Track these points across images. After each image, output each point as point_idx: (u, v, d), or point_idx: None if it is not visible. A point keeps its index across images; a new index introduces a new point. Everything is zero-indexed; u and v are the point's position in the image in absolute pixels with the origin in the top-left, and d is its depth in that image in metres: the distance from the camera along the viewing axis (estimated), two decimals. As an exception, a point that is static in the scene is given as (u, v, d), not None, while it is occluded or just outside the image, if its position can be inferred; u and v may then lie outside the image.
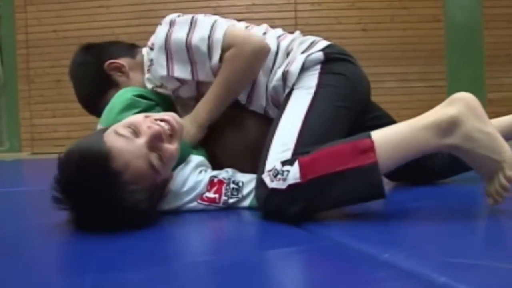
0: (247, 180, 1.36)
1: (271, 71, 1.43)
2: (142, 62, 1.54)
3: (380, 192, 1.09)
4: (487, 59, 4.96)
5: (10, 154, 4.76)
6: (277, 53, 1.44)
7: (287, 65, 1.39)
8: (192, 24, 1.42)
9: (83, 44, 1.64)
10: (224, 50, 1.38)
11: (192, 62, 1.41)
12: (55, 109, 4.83)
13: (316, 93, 1.30)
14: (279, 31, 1.54)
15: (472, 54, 4.97)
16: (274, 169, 1.15)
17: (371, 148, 1.07)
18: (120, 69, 1.56)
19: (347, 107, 1.32)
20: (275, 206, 1.14)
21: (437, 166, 1.61)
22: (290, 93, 1.34)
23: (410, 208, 1.31)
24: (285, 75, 1.37)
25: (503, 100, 4.96)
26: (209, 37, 1.38)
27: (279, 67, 1.42)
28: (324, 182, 1.09)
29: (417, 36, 4.88)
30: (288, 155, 1.17)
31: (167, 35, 1.41)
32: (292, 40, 1.47)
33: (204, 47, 1.38)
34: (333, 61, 1.35)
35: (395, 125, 1.16)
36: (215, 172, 1.38)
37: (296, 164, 1.12)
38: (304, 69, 1.35)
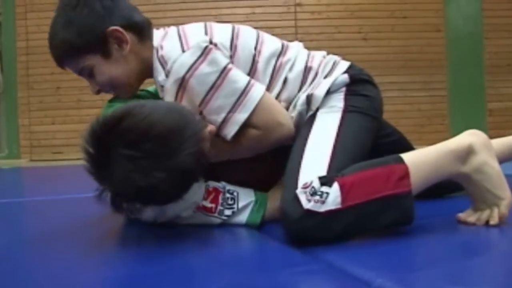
0: (242, 192, 1.34)
1: (294, 96, 1.37)
2: (148, 48, 1.33)
3: (411, 218, 1.12)
4: (488, 69, 4.96)
5: (9, 160, 4.75)
6: (304, 80, 1.38)
7: (312, 88, 1.34)
8: (224, 73, 1.25)
9: None
10: (246, 125, 1.27)
11: (205, 98, 1.26)
12: (54, 116, 4.82)
13: (344, 114, 1.29)
14: (305, 51, 1.44)
15: (473, 64, 4.97)
16: (311, 186, 1.09)
17: (406, 175, 1.11)
18: (121, 43, 1.30)
19: (373, 127, 1.34)
20: (308, 229, 1.08)
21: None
22: (314, 114, 1.31)
23: (411, 227, 1.28)
24: (309, 99, 1.33)
25: (503, 110, 4.95)
26: (237, 100, 1.25)
27: (303, 92, 1.36)
28: (361, 209, 1.08)
29: (418, 46, 4.88)
30: (323, 171, 1.15)
31: (190, 68, 1.23)
32: (319, 65, 1.40)
33: (226, 109, 1.25)
34: (357, 83, 1.35)
35: (422, 149, 1.20)
36: (207, 182, 1.35)
37: (335, 186, 1.08)
38: (329, 92, 1.33)
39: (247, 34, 1.38)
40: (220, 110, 1.25)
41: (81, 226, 1.45)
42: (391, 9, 4.89)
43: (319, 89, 1.31)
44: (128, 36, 1.30)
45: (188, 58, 1.23)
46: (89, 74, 1.34)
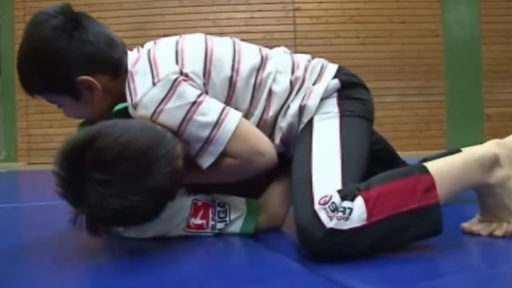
0: (233, 203, 1.31)
1: (282, 106, 1.31)
2: (120, 81, 1.25)
3: (439, 230, 1.06)
4: (485, 74, 4.98)
5: (6, 164, 4.74)
6: (291, 89, 1.32)
7: (303, 99, 1.28)
8: (194, 106, 1.19)
9: (73, 15, 1.24)
10: (222, 154, 1.21)
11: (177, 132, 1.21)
12: (52, 119, 4.81)
13: (341, 119, 1.25)
14: (287, 58, 1.38)
15: (470, 69, 4.99)
16: (331, 202, 1.03)
17: (433, 186, 1.06)
18: (92, 89, 1.24)
19: (369, 129, 1.31)
20: (332, 248, 1.02)
21: None
22: (310, 122, 1.26)
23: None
24: (302, 110, 1.28)
25: (500, 115, 4.96)
26: (210, 133, 1.20)
27: (292, 101, 1.31)
28: (388, 223, 1.03)
29: (416, 51, 4.89)
30: (337, 182, 1.10)
31: (159, 104, 1.18)
32: (305, 71, 1.34)
33: (200, 141, 1.20)
34: (348, 87, 1.31)
35: (447, 158, 1.16)
36: (196, 195, 1.31)
37: (359, 201, 1.03)
38: (321, 98, 1.28)
39: (222, 54, 1.30)
40: (195, 142, 1.20)
41: (69, 233, 1.41)
42: (390, 14, 4.90)
43: (311, 99, 1.27)
44: (100, 79, 1.23)
45: (157, 93, 1.18)
46: (59, 106, 1.33)
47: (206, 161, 1.21)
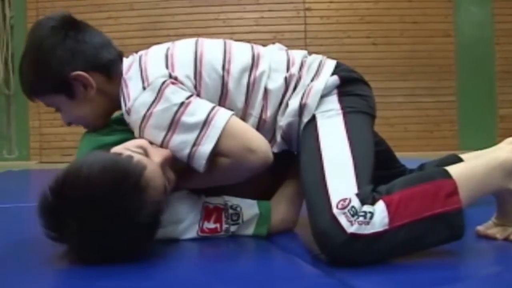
0: (245, 205, 1.31)
1: (280, 104, 1.30)
2: (116, 85, 1.27)
3: (461, 235, 1.06)
4: (498, 74, 4.93)
5: (19, 162, 4.79)
6: (287, 86, 1.30)
7: (302, 97, 1.27)
8: (181, 108, 1.19)
9: (69, 18, 1.29)
10: (215, 154, 1.20)
11: (167, 135, 1.21)
12: (64, 118, 4.85)
13: (345, 116, 1.23)
14: (282, 55, 1.37)
15: (482, 69, 4.94)
16: (350, 206, 1.03)
17: (455, 191, 1.05)
18: (86, 86, 1.27)
19: (372, 125, 1.30)
20: (353, 253, 1.02)
21: None
22: (313, 121, 1.24)
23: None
24: (302, 109, 1.26)
25: (515, 116, 4.91)
26: (199, 133, 1.18)
27: (289, 98, 1.30)
28: (410, 228, 1.02)
29: (427, 51, 4.85)
30: (352, 184, 1.09)
31: (149, 108, 1.19)
32: (300, 67, 1.33)
33: (189, 144, 1.19)
34: (348, 83, 1.29)
35: (469, 162, 1.17)
36: (206, 197, 1.32)
37: (381, 205, 1.02)
38: (321, 96, 1.27)
39: (211, 55, 1.30)
40: (183, 146, 1.19)
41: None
42: (401, 14, 4.87)
43: (311, 97, 1.25)
44: (94, 78, 1.26)
45: (147, 97, 1.19)
46: (56, 109, 1.34)
47: (199, 164, 1.19)
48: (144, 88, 1.20)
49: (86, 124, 1.36)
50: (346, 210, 1.02)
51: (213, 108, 1.21)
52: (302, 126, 1.26)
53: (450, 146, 4.61)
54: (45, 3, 4.94)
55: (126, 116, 1.25)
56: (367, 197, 1.04)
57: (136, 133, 1.24)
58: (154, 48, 1.33)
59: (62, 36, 1.24)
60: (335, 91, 1.28)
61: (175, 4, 4.88)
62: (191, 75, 1.25)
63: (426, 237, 1.04)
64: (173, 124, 1.19)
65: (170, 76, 1.21)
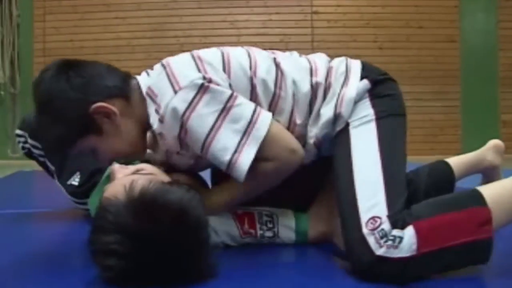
0: (279, 213, 1.32)
1: (309, 112, 1.28)
2: (138, 106, 1.23)
3: (486, 261, 1.04)
4: (502, 80, 4.97)
5: (23, 161, 4.77)
6: (314, 94, 1.28)
7: (336, 106, 1.24)
8: (224, 111, 1.15)
9: (63, 62, 1.23)
10: (256, 160, 1.16)
11: (210, 134, 1.16)
12: (69, 118, 4.85)
13: (378, 122, 1.22)
14: (304, 61, 1.34)
15: (486, 75, 4.97)
16: (380, 228, 1.03)
17: (489, 221, 1.03)
18: (109, 115, 1.20)
19: (404, 124, 1.29)
20: (380, 274, 1.02)
21: None
22: (345, 128, 1.23)
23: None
24: (336, 118, 1.24)
25: (517, 122, 4.94)
26: (241, 138, 1.15)
27: (320, 107, 1.28)
28: (438, 255, 1.02)
29: (433, 56, 4.89)
30: (382, 201, 1.08)
31: (186, 110, 1.14)
32: (327, 74, 1.30)
33: (231, 150, 1.15)
34: (378, 84, 1.27)
35: (502, 182, 1.13)
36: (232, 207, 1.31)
37: (410, 231, 1.02)
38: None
39: (238, 57, 1.26)
40: (224, 152, 1.14)
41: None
42: (407, 19, 4.90)
43: (345, 107, 1.23)
44: (113, 105, 1.19)
45: (182, 99, 1.14)
46: (93, 152, 1.26)
47: (241, 173, 1.15)
48: (175, 92, 1.15)
49: (126, 154, 1.28)
50: (375, 232, 1.03)
51: (255, 109, 1.18)
52: (334, 133, 1.26)
53: (454, 151, 4.62)
54: (52, 2, 4.95)
55: (158, 127, 1.19)
56: (397, 221, 1.04)
57: (173, 143, 1.20)
58: (175, 57, 1.26)
59: (65, 79, 1.17)
60: (367, 94, 1.26)
61: (182, 5, 4.89)
62: (224, 77, 1.21)
63: (452, 263, 1.04)
64: (214, 130, 1.14)
65: (204, 78, 1.16)
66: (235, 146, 1.14)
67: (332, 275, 1.12)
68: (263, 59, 1.29)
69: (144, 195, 1.01)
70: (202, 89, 1.15)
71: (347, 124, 1.23)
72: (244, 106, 1.18)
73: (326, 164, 1.33)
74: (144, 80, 1.25)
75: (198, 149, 1.17)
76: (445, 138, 4.90)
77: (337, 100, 1.25)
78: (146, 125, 1.24)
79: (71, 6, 4.93)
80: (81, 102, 1.17)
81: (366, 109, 1.24)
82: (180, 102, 1.14)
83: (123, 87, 1.22)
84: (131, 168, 1.25)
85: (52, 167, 1.77)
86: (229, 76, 1.21)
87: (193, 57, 1.22)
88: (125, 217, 0.98)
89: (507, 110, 4.96)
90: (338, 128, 1.24)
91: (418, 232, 1.02)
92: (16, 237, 1.53)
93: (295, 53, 1.38)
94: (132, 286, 0.96)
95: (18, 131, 1.80)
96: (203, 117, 1.14)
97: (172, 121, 1.16)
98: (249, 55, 1.28)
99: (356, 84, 1.26)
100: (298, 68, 1.30)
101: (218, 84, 1.17)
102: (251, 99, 1.23)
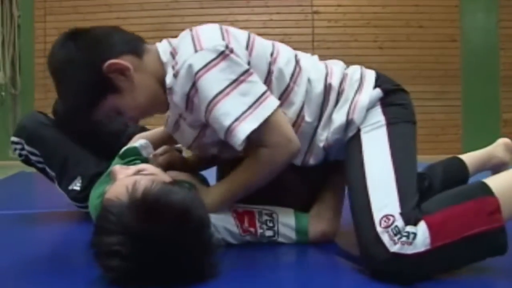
0: (280, 212, 1.32)
1: (320, 114, 1.31)
2: (153, 65, 1.25)
3: (504, 251, 1.05)
4: (503, 79, 4.96)
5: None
6: (326, 96, 1.31)
7: (348, 113, 1.28)
8: (237, 81, 1.17)
9: (70, 31, 1.24)
10: (253, 140, 1.18)
11: (218, 96, 1.18)
12: (70, 118, 4.85)
13: (389, 127, 1.24)
14: (321, 64, 1.37)
15: (487, 74, 4.97)
16: (394, 225, 1.04)
17: (497, 210, 1.04)
18: (123, 72, 1.21)
19: (415, 132, 1.31)
20: (395, 271, 1.03)
21: None
22: (357, 133, 1.26)
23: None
24: (348, 124, 1.28)
25: (518, 121, 4.94)
26: (247, 109, 1.16)
27: (332, 112, 1.31)
28: (452, 248, 1.03)
29: (433, 56, 4.88)
30: (394, 199, 1.09)
31: (202, 68, 1.15)
32: (342, 80, 1.33)
33: (232, 116, 1.16)
34: (390, 93, 1.31)
35: (507, 173, 1.14)
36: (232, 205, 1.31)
37: (423, 226, 1.03)
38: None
39: (262, 43, 1.31)
40: (226, 117, 1.15)
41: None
42: (407, 18, 4.90)
43: (357, 113, 1.26)
44: (125, 60, 1.21)
45: (201, 58, 1.15)
46: (118, 114, 1.28)
47: (238, 138, 1.15)
48: (196, 51, 1.16)
49: (148, 109, 1.30)
50: (389, 229, 1.04)
51: (266, 90, 1.20)
52: (346, 139, 1.28)
53: (454, 150, 4.62)
54: (53, 2, 4.96)
55: (171, 81, 1.20)
56: (410, 217, 1.05)
57: (180, 98, 1.20)
58: (203, 25, 1.28)
59: (73, 45, 1.19)
60: (378, 102, 1.29)
61: (184, 6, 4.90)
62: (245, 53, 1.22)
63: (468, 255, 1.05)
64: (223, 94, 1.15)
65: (227, 47, 1.17)
66: (238, 114, 1.15)
67: (334, 275, 1.12)
68: (286, 52, 1.33)
69: (147, 196, 1.00)
70: (222, 55, 1.16)
71: (359, 130, 1.26)
72: (256, 85, 1.20)
73: (327, 166, 1.34)
74: (164, 45, 1.27)
75: (203, 111, 1.18)
76: (446, 137, 4.90)
77: (349, 107, 1.29)
78: (162, 84, 1.25)
79: (72, 6, 4.94)
80: (93, 64, 1.19)
81: (378, 116, 1.27)
82: (197, 60, 1.15)
83: (133, 44, 1.24)
84: (132, 168, 1.25)
85: (52, 173, 1.76)
86: (250, 55, 1.23)
87: (221, 28, 1.25)
88: (128, 218, 0.98)
89: (508, 109, 4.96)
90: (350, 134, 1.27)
91: (430, 226, 1.03)
92: (17, 238, 1.54)
93: (315, 56, 1.42)
94: (134, 286, 0.96)
95: (14, 138, 1.77)
96: (215, 80, 1.15)
97: (185, 77, 1.17)
98: (273, 45, 1.33)
99: (370, 92, 1.29)
100: (316, 69, 1.34)
101: (238, 56, 1.19)
102: (264, 83, 1.24)
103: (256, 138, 1.18)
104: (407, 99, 1.34)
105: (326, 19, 4.90)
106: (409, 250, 1.02)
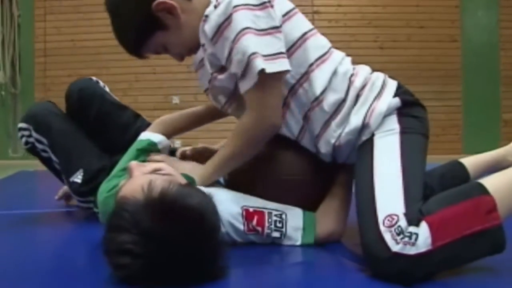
0: (290, 212, 1.32)
1: (337, 109, 1.33)
2: (202, 6, 1.33)
3: (502, 249, 1.06)
4: (503, 79, 4.97)
5: (24, 161, 4.78)
6: (347, 92, 1.33)
7: (365, 116, 1.30)
8: (268, 33, 1.24)
9: None
10: (247, 98, 1.26)
11: (247, 29, 1.24)
12: (70, 118, 4.85)
13: (402, 135, 1.26)
14: (348, 64, 1.39)
15: (488, 74, 4.98)
16: (397, 225, 1.05)
17: (494, 208, 1.05)
18: (170, 10, 1.31)
19: (426, 146, 1.32)
20: (397, 271, 1.04)
21: None
22: (370, 138, 1.28)
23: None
24: (363, 128, 1.30)
25: (518, 121, 4.94)
26: (268, 55, 1.23)
27: (349, 113, 1.33)
28: (452, 247, 1.04)
29: (434, 56, 4.89)
30: (400, 201, 1.11)
31: (241, 4, 1.23)
32: (364, 83, 1.35)
33: (251, 49, 1.22)
34: (407, 105, 1.33)
35: (503, 173, 1.14)
36: (245, 202, 1.32)
37: (424, 226, 1.04)
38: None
39: (303, 19, 1.35)
40: (248, 48, 1.21)
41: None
42: (408, 18, 4.91)
43: (374, 118, 1.29)
44: (172, 0, 1.31)
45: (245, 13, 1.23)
46: (165, 50, 1.40)
47: (255, 67, 1.21)
48: None
49: (192, 46, 1.39)
50: (392, 229, 1.05)
51: (285, 52, 1.25)
52: (359, 142, 1.30)
53: (455, 150, 4.64)
54: (53, 2, 4.96)
55: (209, 11, 1.28)
56: (413, 218, 1.05)
57: (211, 27, 1.27)
58: None
59: None
60: (395, 111, 1.31)
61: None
62: (281, 17, 1.29)
63: (468, 254, 1.06)
64: (252, 33, 1.22)
65: (269, 1, 1.25)
66: (257, 50, 1.21)
67: (339, 275, 1.12)
68: (321, 39, 1.37)
69: (165, 196, 1.00)
70: (262, 5, 1.24)
71: (372, 135, 1.28)
72: (279, 42, 1.25)
73: (334, 168, 1.34)
74: None
75: (230, 42, 1.24)
76: (446, 137, 4.90)
77: (367, 111, 1.31)
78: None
79: (72, 6, 4.94)
80: (143, 3, 1.31)
81: (393, 124, 1.29)
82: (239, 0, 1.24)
83: None
84: (149, 167, 1.25)
85: (56, 160, 1.76)
86: (284, 22, 1.30)
87: None
88: (143, 217, 0.97)
89: (509, 109, 4.97)
90: (364, 138, 1.29)
91: (430, 226, 1.04)
92: (17, 238, 1.53)
93: (349, 58, 1.44)
94: (142, 286, 0.95)
95: (22, 125, 1.78)
96: (248, 19, 1.22)
97: (224, 9, 1.24)
98: (313, 29, 1.36)
99: (389, 100, 1.31)
100: (345, 65, 1.37)
101: (274, 12, 1.26)
102: (287, 52, 1.28)
103: (251, 96, 1.25)
104: (423, 114, 1.36)
105: (326, 19, 4.90)
106: (411, 250, 1.02)
